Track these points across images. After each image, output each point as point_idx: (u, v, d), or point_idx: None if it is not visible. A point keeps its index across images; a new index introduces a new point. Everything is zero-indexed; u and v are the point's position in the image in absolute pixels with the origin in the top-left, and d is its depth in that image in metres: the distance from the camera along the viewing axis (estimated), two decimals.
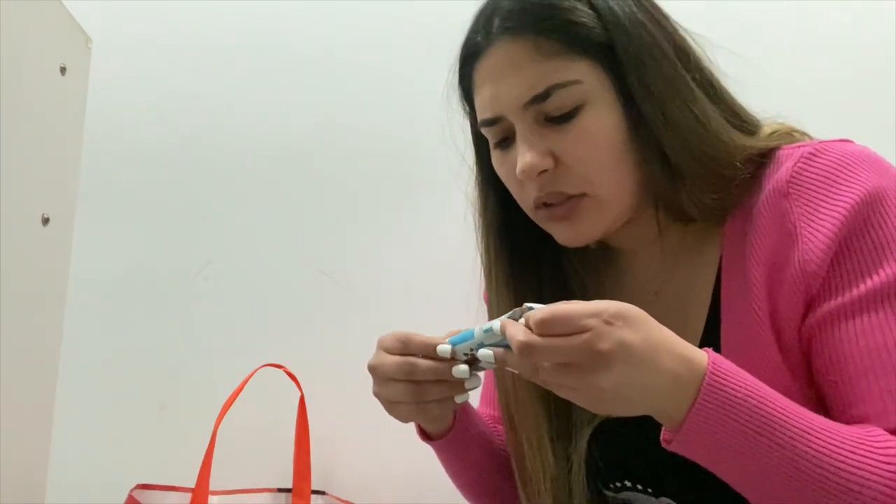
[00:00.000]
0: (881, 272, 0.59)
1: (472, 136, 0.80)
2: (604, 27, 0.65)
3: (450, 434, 0.75)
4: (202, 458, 0.95)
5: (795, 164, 0.63)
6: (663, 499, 0.70)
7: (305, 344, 1.13)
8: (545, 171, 0.66)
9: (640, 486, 0.70)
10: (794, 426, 0.54)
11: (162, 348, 1.14)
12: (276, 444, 1.07)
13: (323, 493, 1.05)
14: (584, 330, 0.52)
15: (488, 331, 0.59)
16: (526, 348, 0.53)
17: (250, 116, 1.21)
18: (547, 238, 0.72)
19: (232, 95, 1.21)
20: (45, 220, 1.00)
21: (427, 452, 1.10)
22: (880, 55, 1.12)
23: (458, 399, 0.67)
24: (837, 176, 0.61)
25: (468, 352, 0.63)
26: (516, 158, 0.68)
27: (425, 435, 0.77)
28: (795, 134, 0.69)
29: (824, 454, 0.54)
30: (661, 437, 0.57)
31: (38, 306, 1.02)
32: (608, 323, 0.52)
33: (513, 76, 0.66)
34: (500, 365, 0.57)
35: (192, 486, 0.95)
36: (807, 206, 0.61)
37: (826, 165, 0.62)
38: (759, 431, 0.53)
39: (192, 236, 1.18)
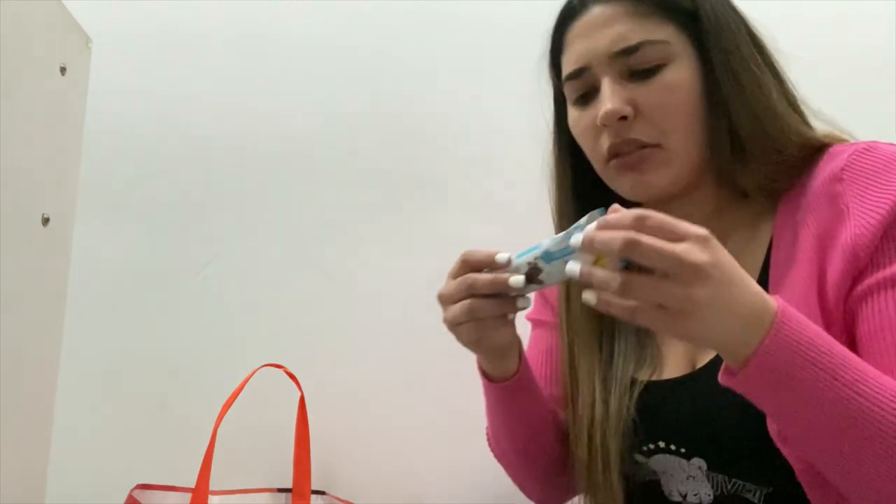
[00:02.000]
0: None
1: (553, 106, 0.86)
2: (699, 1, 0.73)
3: (516, 376, 0.78)
4: (202, 458, 0.95)
5: (850, 155, 0.69)
6: (695, 460, 0.72)
7: (305, 344, 1.13)
8: (624, 117, 0.72)
9: (673, 447, 0.73)
10: (854, 369, 0.57)
11: (162, 348, 1.14)
12: (276, 444, 1.07)
13: (323, 493, 1.05)
14: (683, 238, 0.55)
15: (566, 237, 0.61)
16: (630, 244, 0.54)
17: (250, 116, 1.21)
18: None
19: (232, 95, 1.21)
20: (45, 220, 1.00)
21: (427, 452, 1.11)
22: (881, 55, 1.12)
23: (511, 317, 0.72)
24: (888, 167, 0.67)
25: (532, 261, 0.67)
26: (594, 113, 0.73)
27: (489, 380, 0.80)
28: (848, 138, 0.75)
29: (879, 399, 0.57)
30: (721, 374, 0.60)
31: (38, 306, 1.02)
32: (703, 241, 0.55)
33: (606, 30, 0.73)
34: (584, 280, 0.58)
35: (192, 486, 0.95)
36: (859, 189, 0.67)
37: (878, 158, 0.68)
38: (822, 368, 0.56)
39: (192, 236, 1.18)
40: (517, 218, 1.15)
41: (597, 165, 0.77)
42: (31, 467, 1.02)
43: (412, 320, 1.15)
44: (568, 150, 0.83)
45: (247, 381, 1.00)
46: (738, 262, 0.73)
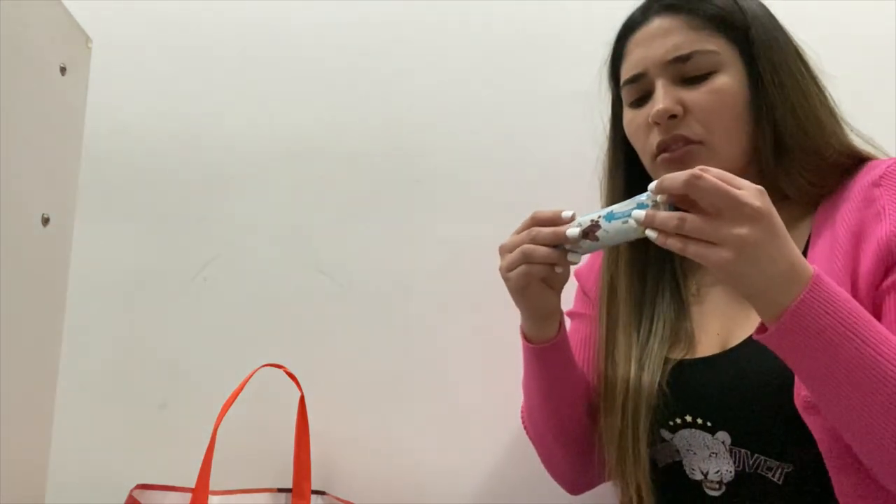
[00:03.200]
0: None
1: (611, 109, 0.94)
2: (742, 14, 0.81)
3: (555, 338, 0.84)
4: (202, 458, 0.95)
5: (889, 166, 0.76)
6: (720, 434, 0.77)
7: (305, 344, 1.13)
8: (674, 116, 0.80)
9: (700, 421, 0.78)
10: (881, 332, 0.63)
11: (162, 348, 1.14)
12: (276, 444, 1.07)
13: (323, 493, 1.05)
14: (740, 187, 0.63)
15: (631, 202, 0.69)
16: (694, 178, 0.62)
17: (250, 116, 1.21)
18: None
19: (232, 95, 1.22)
20: (45, 220, 1.00)
21: (427, 452, 1.11)
22: (881, 55, 1.12)
23: (558, 269, 0.78)
24: None
25: (594, 219, 0.73)
26: (647, 113, 0.82)
27: (530, 342, 0.86)
28: (883, 155, 0.82)
29: None
30: (756, 332, 0.66)
31: (38, 306, 1.02)
32: (759, 191, 0.63)
33: (663, 40, 0.82)
34: (646, 223, 0.67)
35: (192, 486, 0.95)
36: (894, 194, 0.73)
37: None
38: (853, 330, 0.62)
39: (192, 236, 1.18)
40: (517, 218, 1.16)
41: (646, 160, 0.86)
42: (31, 467, 1.01)
43: (413, 320, 1.15)
44: (622, 149, 0.91)
45: (247, 381, 1.00)
46: None
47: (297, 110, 1.21)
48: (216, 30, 1.23)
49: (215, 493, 0.98)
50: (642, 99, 0.85)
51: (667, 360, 0.82)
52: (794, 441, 0.71)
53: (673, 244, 0.65)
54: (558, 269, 0.78)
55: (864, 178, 0.76)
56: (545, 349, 0.85)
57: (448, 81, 1.21)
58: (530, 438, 0.95)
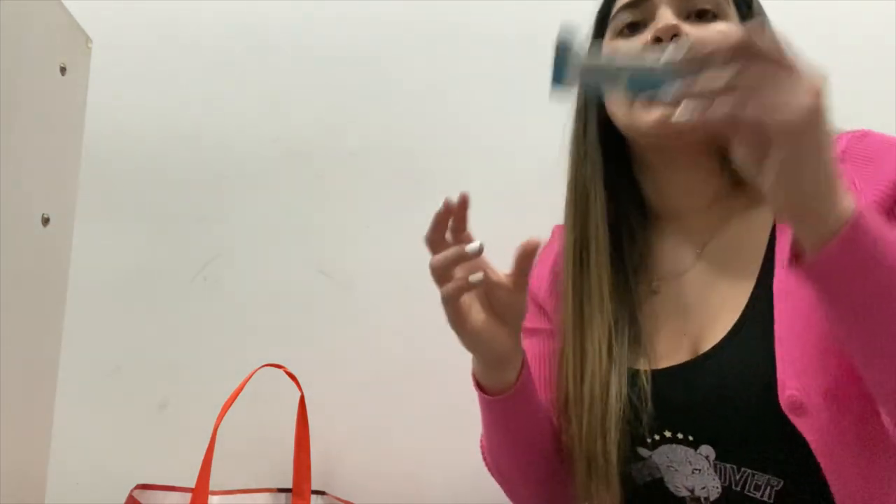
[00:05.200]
0: None
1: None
2: None
3: (515, 386, 0.75)
4: (202, 458, 0.95)
5: (848, 141, 0.71)
6: (703, 448, 0.72)
7: (305, 344, 1.13)
8: (677, 36, 0.72)
9: (680, 436, 0.72)
10: None
11: (162, 348, 1.14)
12: (276, 444, 1.07)
13: (323, 493, 1.05)
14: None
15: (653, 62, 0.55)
16: (753, 34, 0.52)
17: (250, 116, 1.21)
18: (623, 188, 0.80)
19: (232, 95, 1.21)
20: (45, 220, 1.00)
21: (428, 452, 1.11)
22: (881, 55, 1.12)
23: (473, 279, 0.69)
24: (885, 148, 0.70)
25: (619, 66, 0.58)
26: (639, 42, 0.75)
27: (485, 393, 0.77)
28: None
29: None
30: (791, 259, 0.58)
31: (38, 306, 1.02)
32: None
33: None
34: (692, 88, 0.54)
35: (193, 486, 0.95)
36: (862, 168, 0.69)
37: (875, 141, 0.71)
38: (892, 263, 0.55)
39: (192, 236, 1.18)
40: (518, 218, 1.15)
41: (622, 104, 0.76)
42: (31, 467, 1.01)
43: (412, 320, 1.15)
44: (595, 108, 0.82)
45: (247, 381, 1.00)
46: (740, 247, 0.74)
47: (297, 110, 1.21)
48: (216, 30, 1.23)
49: (215, 493, 0.98)
50: (636, 26, 0.77)
51: (637, 371, 0.75)
52: (781, 452, 0.67)
53: (724, 108, 0.52)
54: (473, 279, 0.69)
55: None
56: (504, 400, 0.75)
57: (448, 81, 1.21)
58: (492, 475, 0.87)
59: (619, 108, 0.77)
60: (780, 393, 0.65)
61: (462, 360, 1.09)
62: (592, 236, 0.79)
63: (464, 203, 0.72)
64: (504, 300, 0.71)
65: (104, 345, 1.14)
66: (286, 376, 1.05)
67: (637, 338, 0.77)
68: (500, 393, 0.75)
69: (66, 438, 1.08)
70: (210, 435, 0.95)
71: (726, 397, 0.69)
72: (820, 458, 0.65)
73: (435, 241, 0.72)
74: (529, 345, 0.89)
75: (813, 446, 0.64)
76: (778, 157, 0.52)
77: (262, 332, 1.14)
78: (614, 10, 0.79)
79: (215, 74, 1.22)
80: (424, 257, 1.16)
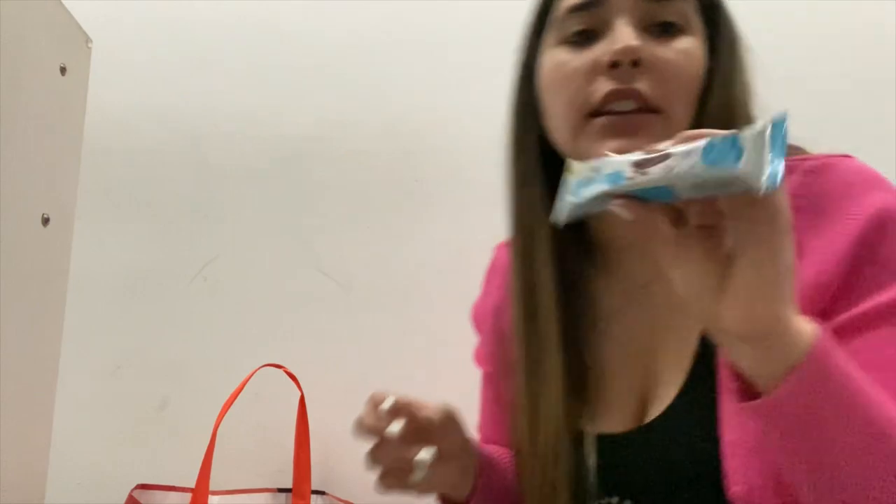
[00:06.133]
0: (892, 290, 0.57)
1: (520, 68, 0.74)
2: None
3: (472, 499, 0.73)
4: (202, 458, 0.95)
5: (800, 178, 0.60)
6: None
7: (305, 344, 1.13)
8: (638, 64, 0.61)
9: (628, 502, 0.67)
10: (881, 405, 0.49)
11: (162, 348, 1.14)
12: (277, 443, 1.07)
13: (323, 493, 1.05)
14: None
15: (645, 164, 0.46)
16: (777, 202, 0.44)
17: (250, 116, 1.21)
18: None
19: (232, 95, 1.21)
20: (45, 220, 1.00)
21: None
22: (881, 55, 1.12)
23: (414, 477, 0.65)
24: (844, 193, 0.59)
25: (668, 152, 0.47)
26: (593, 56, 0.63)
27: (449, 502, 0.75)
28: (796, 147, 0.65)
29: None
30: (743, 396, 0.50)
31: (38, 306, 1.02)
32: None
33: None
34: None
35: (193, 486, 0.95)
36: (813, 221, 0.59)
37: (832, 182, 0.60)
38: (853, 403, 0.48)
39: (192, 236, 1.18)
40: None
41: (568, 121, 0.65)
42: (31, 467, 1.01)
43: (413, 320, 1.15)
44: (532, 114, 0.71)
45: (247, 381, 1.00)
46: None
47: (296, 110, 1.21)
48: (216, 30, 1.23)
49: (215, 493, 0.98)
50: (588, 35, 0.65)
51: (585, 434, 0.68)
52: None
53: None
54: (416, 477, 0.64)
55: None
56: None
57: (448, 81, 1.21)
58: None
59: (567, 119, 0.66)
60: (727, 484, 0.58)
61: (462, 360, 1.09)
62: (540, 282, 0.70)
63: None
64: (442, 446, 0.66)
65: (104, 345, 1.14)
66: (286, 376, 1.05)
67: (586, 393, 0.70)
68: (463, 502, 0.73)
69: (66, 438, 1.09)
70: (210, 435, 0.95)
71: (671, 471, 0.63)
72: None
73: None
74: (485, 389, 0.87)
75: None
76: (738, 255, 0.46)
77: (262, 332, 1.14)
78: (560, 10, 0.67)
79: (215, 74, 1.22)
80: (424, 257, 1.16)
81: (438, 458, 0.65)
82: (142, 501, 0.98)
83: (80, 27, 1.08)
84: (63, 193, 1.07)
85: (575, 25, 0.65)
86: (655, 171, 0.46)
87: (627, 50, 0.61)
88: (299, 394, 1.05)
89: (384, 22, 1.23)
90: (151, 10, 1.23)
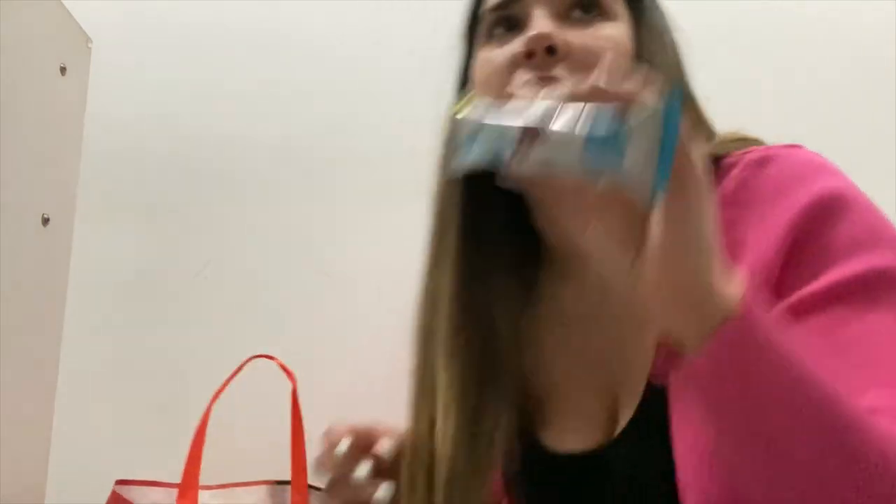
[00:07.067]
0: (830, 274, 0.53)
1: (457, 75, 0.75)
2: None
3: None
4: (200, 455, 0.95)
5: (742, 171, 0.58)
6: None
7: (305, 344, 1.13)
8: (553, 50, 0.60)
9: None
10: (819, 377, 0.45)
11: (162, 348, 1.14)
12: (275, 439, 1.06)
13: (320, 488, 1.05)
14: None
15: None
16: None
17: (250, 116, 1.21)
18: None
19: (232, 95, 1.21)
20: (45, 220, 1.00)
21: None
22: (880, 54, 1.12)
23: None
24: (788, 183, 0.57)
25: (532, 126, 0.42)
26: (512, 50, 0.62)
27: None
28: (748, 139, 0.63)
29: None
30: (660, 360, 0.49)
31: (38, 306, 1.02)
32: None
33: None
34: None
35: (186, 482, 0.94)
36: (755, 214, 0.56)
37: (775, 173, 0.58)
38: (791, 365, 0.44)
39: (192, 236, 1.18)
40: None
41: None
42: (31, 467, 1.01)
43: (411, 321, 1.15)
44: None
45: (236, 373, 0.98)
46: None
47: (296, 110, 1.21)
48: (216, 30, 1.23)
49: (207, 487, 0.97)
50: (507, 29, 0.64)
51: (542, 452, 0.64)
52: None
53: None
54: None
55: (720, 188, 0.58)
56: None
57: (448, 81, 1.21)
58: None
59: None
60: (681, 499, 0.54)
61: None
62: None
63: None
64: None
65: (104, 344, 1.14)
66: (284, 375, 1.05)
67: (540, 402, 0.67)
68: None
69: (66, 438, 1.09)
70: (198, 427, 0.94)
71: (632, 488, 0.59)
72: None
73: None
74: None
75: None
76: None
77: (262, 332, 1.14)
78: (485, 10, 0.67)
79: (215, 74, 1.22)
80: (422, 255, 1.16)
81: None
82: (125, 496, 0.96)
83: (80, 27, 1.08)
84: (63, 193, 1.08)
85: (497, 23, 0.65)
86: (536, 156, 0.42)
87: (538, 38, 0.59)
88: (292, 386, 1.05)
89: (384, 22, 1.22)
90: (151, 10, 1.23)
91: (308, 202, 1.19)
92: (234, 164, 1.20)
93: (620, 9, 0.63)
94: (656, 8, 0.66)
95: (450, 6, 1.22)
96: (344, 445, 0.65)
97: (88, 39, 1.12)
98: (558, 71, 0.59)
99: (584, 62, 0.58)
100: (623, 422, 0.61)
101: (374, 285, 1.16)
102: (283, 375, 1.05)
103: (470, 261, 0.69)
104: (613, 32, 0.62)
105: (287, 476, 1.03)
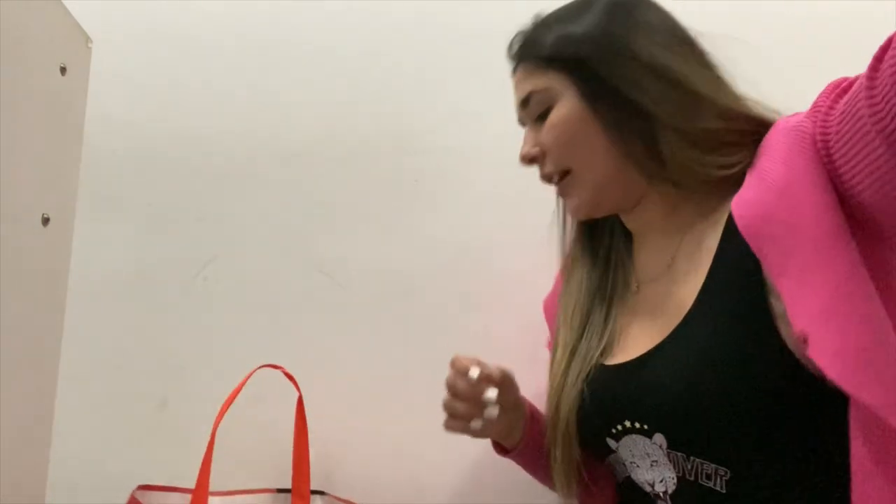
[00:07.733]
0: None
1: None
2: (571, 41, 0.80)
3: (520, 444, 0.92)
4: (202, 458, 0.95)
5: (775, 127, 0.73)
6: (656, 437, 0.75)
7: (305, 344, 1.13)
8: (534, 159, 0.86)
9: (637, 424, 0.76)
10: None
11: (161, 348, 1.14)
12: (276, 444, 1.07)
13: (323, 493, 1.05)
14: None
15: None
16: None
17: (250, 116, 1.21)
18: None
19: (232, 95, 1.21)
20: (45, 220, 1.00)
21: (427, 452, 1.11)
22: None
23: (475, 425, 0.85)
24: (780, 140, 0.71)
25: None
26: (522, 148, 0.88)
27: (502, 449, 0.94)
28: (773, 114, 0.77)
29: None
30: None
31: (38, 306, 1.02)
32: None
33: (517, 86, 0.87)
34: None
35: (192, 486, 0.95)
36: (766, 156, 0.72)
37: (777, 135, 0.72)
38: None
39: (192, 236, 1.18)
40: (517, 217, 1.16)
41: None
42: (31, 467, 1.01)
43: (412, 320, 1.15)
44: None
45: (244, 382, 0.99)
46: (696, 249, 0.79)
47: (296, 110, 1.21)
48: (216, 30, 1.23)
49: (215, 493, 0.98)
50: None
51: (601, 365, 0.83)
52: (728, 440, 0.69)
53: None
54: (474, 425, 0.85)
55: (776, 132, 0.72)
56: (516, 455, 0.93)
57: (448, 81, 1.21)
58: None
59: None
60: (794, 331, 0.63)
61: None
62: (577, 256, 0.93)
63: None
64: (471, 426, 0.86)
65: (104, 344, 1.14)
66: (285, 377, 1.05)
67: (609, 334, 0.86)
68: (512, 450, 0.93)
69: (66, 438, 1.09)
70: (209, 435, 0.95)
71: (669, 385, 0.73)
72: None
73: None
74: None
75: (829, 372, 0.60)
76: None
77: (262, 332, 1.14)
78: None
79: (215, 74, 1.22)
80: (424, 258, 1.16)
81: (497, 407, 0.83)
82: (143, 502, 0.98)
83: (80, 27, 1.08)
84: (63, 193, 1.08)
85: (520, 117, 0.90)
86: None
87: (521, 159, 0.87)
88: (297, 394, 1.05)
89: (384, 22, 1.23)
90: (151, 10, 1.23)
91: (308, 202, 1.19)
92: (233, 164, 1.20)
93: (561, 86, 0.81)
94: (600, 55, 0.78)
95: (450, 6, 1.23)
96: (475, 372, 0.83)
97: (88, 39, 1.11)
98: (546, 168, 0.85)
99: (552, 154, 0.83)
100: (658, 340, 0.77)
101: (373, 286, 1.16)
102: (285, 379, 1.06)
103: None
104: (557, 116, 0.81)
105: (287, 484, 1.04)
